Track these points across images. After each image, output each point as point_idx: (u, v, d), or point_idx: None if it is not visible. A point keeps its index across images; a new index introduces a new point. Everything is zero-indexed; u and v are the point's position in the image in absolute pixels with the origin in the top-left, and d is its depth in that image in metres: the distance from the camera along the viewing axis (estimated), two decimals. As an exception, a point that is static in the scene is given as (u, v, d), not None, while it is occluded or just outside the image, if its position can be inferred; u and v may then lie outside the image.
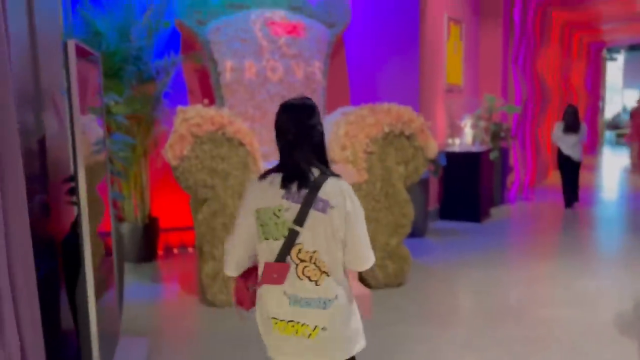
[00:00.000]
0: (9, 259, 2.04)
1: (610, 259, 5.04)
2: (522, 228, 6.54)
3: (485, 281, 4.24)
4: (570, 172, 7.12)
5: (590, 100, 15.79)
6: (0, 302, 1.94)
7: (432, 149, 4.03)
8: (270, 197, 1.72)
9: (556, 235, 5.90)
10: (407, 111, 4.01)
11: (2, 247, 1.96)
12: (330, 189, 1.71)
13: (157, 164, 4.99)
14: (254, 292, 1.79)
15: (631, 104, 17.14)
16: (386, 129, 3.92)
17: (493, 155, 6.88)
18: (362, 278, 3.96)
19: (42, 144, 2.84)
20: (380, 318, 3.48)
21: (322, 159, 1.79)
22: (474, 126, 6.73)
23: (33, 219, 2.62)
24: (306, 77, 4.79)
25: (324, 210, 1.69)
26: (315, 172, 1.73)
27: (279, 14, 4.84)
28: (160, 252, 5.16)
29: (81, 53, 2.54)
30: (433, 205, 6.39)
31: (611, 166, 13.36)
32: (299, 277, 1.69)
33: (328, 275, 1.70)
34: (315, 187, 1.69)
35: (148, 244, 4.92)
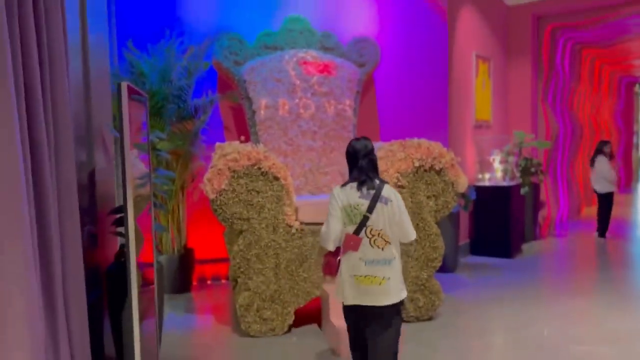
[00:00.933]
0: (64, 287, 2.19)
1: (647, 297, 4.94)
2: (554, 264, 6.45)
3: (517, 317, 4.22)
4: (598, 204, 7.64)
5: (624, 136, 15.57)
6: (55, 324, 2.07)
7: (463, 183, 4.10)
8: (352, 197, 2.63)
9: (589, 272, 5.81)
10: (436, 146, 4.10)
11: (57, 276, 2.11)
12: (386, 190, 2.64)
13: (193, 198, 5.17)
14: (339, 262, 2.68)
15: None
16: (416, 164, 4.02)
17: (523, 190, 6.87)
18: (393, 311, 3.99)
19: (91, 177, 3.03)
20: (411, 351, 3.50)
21: (376, 173, 2.72)
22: (504, 161, 6.76)
23: (83, 248, 2.79)
24: (337, 114, 4.95)
25: (385, 203, 2.61)
26: (376, 180, 2.65)
27: (311, 54, 5.05)
28: (194, 283, 5.29)
29: (131, 93, 2.74)
30: (463, 240, 6.39)
31: (647, 202, 13.05)
32: (371, 246, 2.59)
33: (390, 244, 2.60)
34: (379, 189, 2.62)
35: (183, 275, 5.06)
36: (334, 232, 2.62)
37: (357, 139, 2.77)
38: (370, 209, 2.58)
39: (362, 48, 5.39)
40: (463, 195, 5.55)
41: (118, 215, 3.04)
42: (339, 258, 2.69)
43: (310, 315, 4.14)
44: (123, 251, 3.06)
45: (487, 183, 6.63)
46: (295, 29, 5.23)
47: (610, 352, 3.47)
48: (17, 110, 1.79)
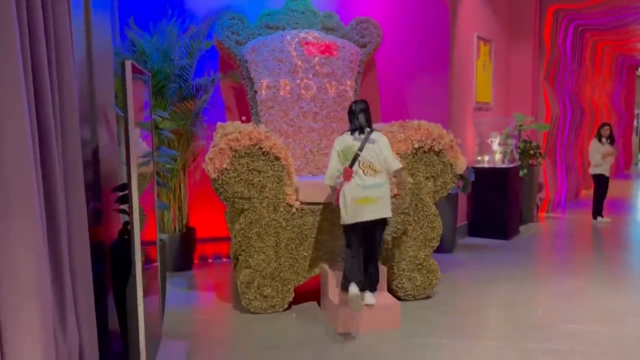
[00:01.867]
0: (70, 260, 2.25)
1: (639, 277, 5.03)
2: (551, 245, 6.54)
3: (513, 296, 4.30)
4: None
5: (624, 119, 15.57)
6: (63, 298, 2.14)
7: (461, 165, 4.15)
8: (347, 141, 3.57)
9: (585, 253, 5.90)
10: (436, 128, 4.14)
11: (64, 249, 2.17)
12: (374, 134, 3.55)
13: (195, 177, 5.22)
14: (340, 191, 3.55)
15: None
16: (415, 145, 4.06)
17: (522, 173, 6.92)
18: (391, 289, 4.08)
19: (95, 154, 3.07)
20: (408, 329, 3.58)
21: (369, 125, 3.61)
22: (503, 143, 6.79)
23: (87, 224, 2.85)
24: (338, 94, 4.97)
25: (372, 143, 3.51)
26: (367, 129, 3.57)
27: (313, 35, 5.05)
28: (195, 262, 5.37)
29: (135, 72, 2.77)
30: (462, 221, 6.46)
31: (646, 186, 13.11)
32: (365, 175, 3.47)
33: (379, 173, 3.50)
34: (368, 134, 3.54)
35: (185, 254, 5.13)
36: (331, 170, 3.59)
37: (355, 101, 3.75)
38: (361, 148, 3.48)
39: (363, 29, 5.39)
40: (462, 177, 5.60)
41: (122, 193, 3.09)
42: (338, 189, 3.58)
43: (310, 292, 4.22)
44: (126, 228, 3.12)
45: (486, 165, 6.68)
46: (297, 8, 5.22)
47: (602, 330, 3.55)
48: (25, 88, 1.83)
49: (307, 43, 4.99)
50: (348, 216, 3.48)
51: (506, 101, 7.89)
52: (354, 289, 3.39)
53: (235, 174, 3.74)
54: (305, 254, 3.95)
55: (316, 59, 4.96)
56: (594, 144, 7.73)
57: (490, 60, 7.18)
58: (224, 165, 3.69)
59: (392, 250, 4.08)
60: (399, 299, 4.07)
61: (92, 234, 3.03)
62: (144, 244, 3.19)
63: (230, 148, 3.71)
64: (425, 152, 4.11)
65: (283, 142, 4.72)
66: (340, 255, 3.85)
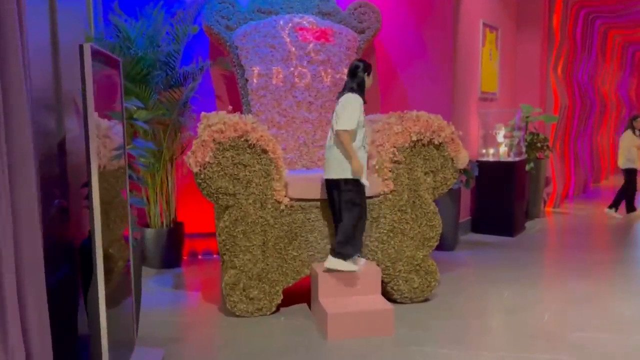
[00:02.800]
0: (17, 262, 2.01)
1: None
2: (558, 243, 6.26)
3: (517, 299, 4.04)
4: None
5: (635, 110, 15.18)
6: (3, 306, 1.90)
7: (463, 159, 3.87)
8: None
9: (595, 252, 5.61)
10: (436, 119, 3.86)
11: (9, 253, 1.92)
12: (344, 96, 3.58)
13: (183, 170, 4.98)
14: None
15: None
16: (414, 138, 3.79)
17: (529, 166, 6.63)
18: (387, 292, 3.83)
19: (62, 147, 2.83)
20: (404, 335, 3.34)
21: (346, 86, 3.64)
22: (508, 135, 6.50)
23: (51, 222, 2.60)
24: (334, 83, 4.70)
25: (337, 103, 3.60)
26: (345, 90, 3.61)
27: (308, 20, 4.77)
28: (185, 258, 5.14)
29: (101, 57, 2.51)
30: (464, 217, 6.19)
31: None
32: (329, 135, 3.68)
33: (333, 135, 3.56)
34: (340, 95, 3.64)
35: (173, 250, 4.90)
36: None
37: (355, 60, 3.83)
38: (334, 110, 3.60)
39: (362, 13, 5.09)
40: (465, 172, 5.32)
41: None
42: None
43: (301, 294, 3.97)
44: (97, 227, 2.87)
45: (490, 158, 6.39)
46: (291, -8, 4.93)
47: (611, 339, 3.29)
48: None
49: (301, 28, 4.71)
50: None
51: (512, 91, 7.57)
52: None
53: (219, 168, 3.49)
54: (295, 253, 3.70)
55: (311, 45, 4.69)
56: (627, 137, 7.38)
57: (496, 48, 6.86)
58: (207, 159, 3.44)
59: (387, 249, 3.82)
60: (394, 302, 3.82)
61: (59, 232, 2.81)
62: (127, 239, 2.97)
63: (214, 140, 3.46)
64: (424, 145, 3.84)
65: (275, 134, 4.46)
66: None
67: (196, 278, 4.68)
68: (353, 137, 3.47)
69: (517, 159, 6.37)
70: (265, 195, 3.58)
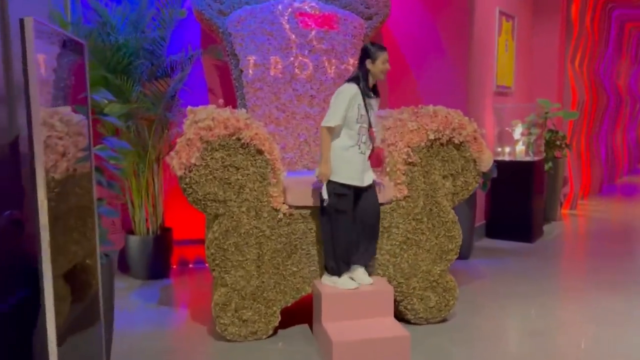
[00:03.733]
0: None
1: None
2: (582, 250, 5.77)
3: (544, 319, 3.58)
4: None
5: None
6: None
7: (487, 161, 3.40)
8: None
9: (625, 260, 5.12)
10: (456, 115, 3.39)
11: None
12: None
13: (170, 171, 4.50)
14: None
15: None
16: (431, 136, 3.31)
17: (547, 166, 6.15)
18: (399, 312, 3.36)
19: (14, 147, 2.36)
20: (421, 366, 2.87)
21: (365, 78, 3.09)
22: (526, 133, 6.01)
23: (1, 238, 2.15)
24: (338, 75, 4.22)
25: None
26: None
27: (310, 4, 4.29)
28: (174, 267, 4.67)
29: (56, 37, 2.05)
30: (479, 221, 5.71)
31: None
32: None
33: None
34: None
35: (160, 259, 4.43)
36: None
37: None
38: None
39: (369, -2, 4.60)
40: (483, 173, 4.84)
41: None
42: None
43: (301, 313, 3.50)
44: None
45: (506, 158, 5.91)
46: (291, -27, 4.44)
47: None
48: None
49: (302, 14, 4.23)
50: None
51: (529, 85, 7.08)
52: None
53: (207, 171, 3.01)
54: (295, 269, 3.22)
55: (313, 32, 4.21)
56: None
57: (512, 39, 6.37)
58: (193, 160, 2.96)
59: (400, 264, 3.35)
60: (408, 322, 3.36)
61: (11, 250, 2.35)
62: (88, 257, 2.52)
63: (201, 139, 2.98)
64: (442, 144, 3.36)
65: (273, 131, 3.99)
66: None
67: (185, 291, 4.22)
68: (338, 134, 3.07)
69: (535, 158, 5.89)
70: (261, 202, 3.11)
